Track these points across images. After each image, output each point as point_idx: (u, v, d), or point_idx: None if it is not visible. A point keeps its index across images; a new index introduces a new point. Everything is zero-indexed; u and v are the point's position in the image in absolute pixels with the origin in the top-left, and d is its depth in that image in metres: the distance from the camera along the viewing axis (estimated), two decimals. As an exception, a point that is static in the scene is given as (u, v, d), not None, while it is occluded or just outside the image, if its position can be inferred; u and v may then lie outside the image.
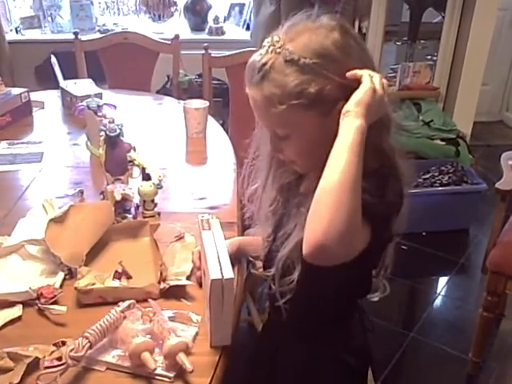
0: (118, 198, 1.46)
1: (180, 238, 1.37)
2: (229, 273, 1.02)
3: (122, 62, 2.81)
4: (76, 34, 2.79)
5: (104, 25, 3.87)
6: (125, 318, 1.08)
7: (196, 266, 1.27)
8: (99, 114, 1.80)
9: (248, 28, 3.88)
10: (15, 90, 2.25)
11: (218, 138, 2.11)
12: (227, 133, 2.22)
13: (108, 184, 1.53)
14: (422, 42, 3.73)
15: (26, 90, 2.26)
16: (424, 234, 3.06)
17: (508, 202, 2.22)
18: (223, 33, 3.91)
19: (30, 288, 1.18)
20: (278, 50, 0.92)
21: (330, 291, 1.02)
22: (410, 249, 2.81)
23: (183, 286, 1.22)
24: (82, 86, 2.29)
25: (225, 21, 4.06)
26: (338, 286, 1.00)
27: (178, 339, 1.03)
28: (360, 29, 3.46)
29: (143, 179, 1.54)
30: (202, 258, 1.15)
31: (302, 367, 1.15)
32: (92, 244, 1.34)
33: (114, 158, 1.55)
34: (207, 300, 1.05)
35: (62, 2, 3.83)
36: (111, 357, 1.04)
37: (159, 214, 1.54)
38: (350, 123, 0.86)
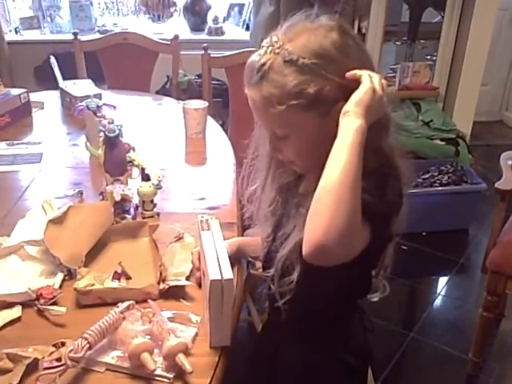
0: (118, 198, 1.46)
1: (179, 238, 1.36)
2: (228, 273, 1.02)
3: (121, 63, 2.81)
4: (75, 34, 2.79)
5: (103, 25, 3.86)
6: (124, 318, 1.08)
7: (195, 266, 1.27)
8: (98, 114, 1.80)
9: (247, 28, 3.88)
10: (14, 91, 2.25)
11: (217, 138, 2.11)
12: (227, 133, 2.22)
13: (107, 184, 1.53)
14: (422, 41, 3.73)
15: (25, 90, 2.26)
16: (424, 233, 3.06)
17: (508, 202, 2.22)
18: (223, 33, 3.91)
19: (29, 289, 1.18)
20: (277, 51, 0.92)
21: (330, 291, 1.02)
22: (410, 249, 2.81)
23: (182, 287, 1.22)
24: (81, 87, 2.29)
25: (224, 21, 4.05)
26: (338, 286, 1.00)
27: (177, 340, 1.03)
28: (360, 29, 3.46)
29: (142, 180, 1.54)
30: (202, 259, 1.15)
31: (301, 367, 1.15)
32: (91, 245, 1.34)
33: (113, 158, 1.55)
34: (207, 301, 1.05)
35: (62, 2, 3.83)
36: (110, 358, 1.04)
37: (158, 214, 1.53)
38: (350, 123, 0.86)
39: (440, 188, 3.06)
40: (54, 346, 1.02)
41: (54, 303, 1.17)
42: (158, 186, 1.55)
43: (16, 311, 1.16)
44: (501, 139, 4.19)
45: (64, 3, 3.82)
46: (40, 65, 3.56)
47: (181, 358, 1.00)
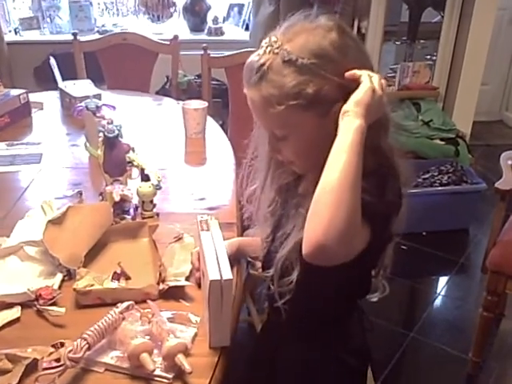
0: (117, 198, 1.46)
1: (179, 238, 1.36)
2: (227, 274, 1.02)
3: (120, 63, 2.81)
4: (75, 34, 2.79)
5: (103, 26, 3.86)
6: (123, 319, 1.08)
7: (195, 266, 1.27)
8: (98, 114, 1.80)
9: (247, 28, 3.88)
10: (14, 91, 2.25)
11: (217, 138, 2.11)
12: (226, 133, 2.22)
13: (107, 185, 1.53)
14: (422, 41, 3.73)
15: (24, 91, 2.26)
16: (424, 233, 3.06)
17: (508, 202, 2.22)
18: (222, 33, 3.91)
19: (28, 289, 1.18)
20: (276, 51, 0.92)
21: (330, 291, 1.02)
22: (410, 249, 2.81)
23: (182, 287, 1.22)
24: (80, 87, 2.29)
25: (224, 21, 4.05)
26: (338, 286, 1.00)
27: (176, 340, 1.03)
28: (359, 29, 3.46)
29: (142, 180, 1.54)
30: (201, 259, 1.15)
31: (301, 367, 1.15)
32: (91, 245, 1.33)
33: (113, 158, 1.55)
34: (206, 301, 1.04)
35: (61, 2, 3.82)
36: (110, 358, 1.04)
37: (158, 214, 1.53)
38: (350, 123, 0.86)
39: (440, 188, 3.06)
40: (53, 346, 1.01)
41: (54, 304, 1.17)
42: (158, 187, 1.55)
43: (15, 312, 1.16)
44: (501, 139, 4.19)
45: (63, 4, 3.82)
46: (40, 65, 3.55)
47: (180, 359, 1.00)
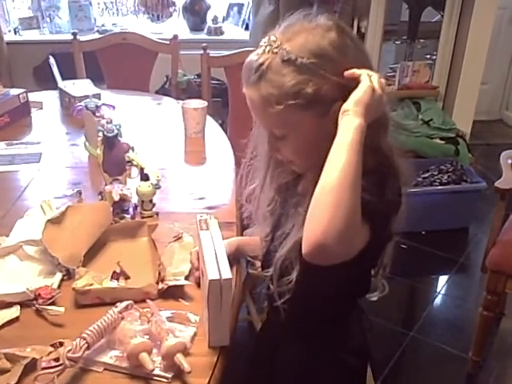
0: (116, 198, 1.46)
1: (178, 238, 1.36)
2: (227, 273, 1.02)
3: (120, 63, 2.80)
4: (74, 34, 2.79)
5: (103, 25, 3.86)
6: (123, 318, 1.08)
7: (194, 266, 1.27)
8: (97, 114, 1.80)
9: (247, 28, 3.88)
10: (13, 91, 2.25)
11: (216, 137, 2.11)
12: (226, 133, 2.22)
13: (106, 184, 1.53)
14: (421, 41, 3.72)
15: (24, 90, 2.26)
16: (423, 232, 3.06)
17: (507, 201, 2.22)
18: (222, 33, 3.91)
19: (27, 289, 1.17)
20: (275, 50, 0.91)
21: (329, 291, 1.02)
22: (410, 248, 2.81)
23: (181, 287, 1.22)
24: (80, 87, 2.29)
25: (223, 21, 4.05)
26: (337, 286, 1.00)
27: (176, 340, 1.03)
28: (359, 28, 3.46)
29: (141, 179, 1.53)
30: (200, 259, 1.15)
31: (300, 367, 1.15)
32: (90, 244, 1.33)
33: (112, 158, 1.55)
34: (205, 300, 1.04)
35: (61, 2, 3.82)
36: (109, 357, 1.04)
37: (157, 214, 1.53)
38: (350, 122, 0.86)
39: (440, 187, 3.05)
40: (52, 345, 1.01)
41: (53, 303, 1.17)
42: (157, 186, 1.55)
43: (14, 311, 1.16)
44: (501, 138, 4.19)
45: (63, 3, 3.82)
46: (39, 65, 3.55)
47: (179, 358, 0.99)
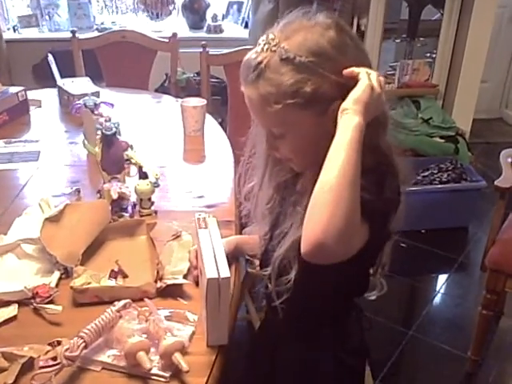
0: (115, 196, 1.45)
1: (177, 236, 1.36)
2: (225, 272, 1.02)
3: (119, 61, 2.80)
4: (73, 32, 2.78)
5: (102, 23, 3.86)
6: (120, 317, 1.08)
7: (193, 265, 1.26)
8: (96, 112, 1.79)
9: (246, 26, 3.87)
10: (12, 89, 2.24)
11: (216, 136, 2.11)
12: (225, 131, 2.22)
13: (104, 182, 1.52)
14: (421, 39, 3.72)
15: (22, 88, 2.25)
16: (423, 231, 3.05)
17: (507, 200, 2.21)
18: (221, 31, 3.90)
19: (25, 287, 1.17)
20: (274, 49, 0.91)
21: (328, 290, 1.02)
22: (409, 246, 2.80)
23: (180, 285, 1.22)
24: (79, 85, 2.28)
25: (223, 19, 4.05)
26: (336, 285, 1.00)
27: (174, 339, 1.02)
28: (359, 26, 3.45)
29: (140, 178, 1.53)
30: (199, 257, 1.14)
31: (299, 366, 1.15)
32: (88, 243, 1.33)
33: (111, 156, 1.54)
34: (204, 299, 1.04)
35: (60, 0, 3.82)
36: (106, 356, 1.04)
37: (156, 212, 1.53)
38: (349, 121, 0.86)
39: (439, 186, 3.05)
40: (49, 344, 1.01)
41: (51, 302, 1.16)
42: (156, 184, 1.54)
43: (12, 310, 1.16)
44: (500, 137, 4.19)
45: (62, 1, 3.82)
46: (38, 63, 3.55)
47: (177, 357, 0.99)
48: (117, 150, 1.56)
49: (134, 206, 1.52)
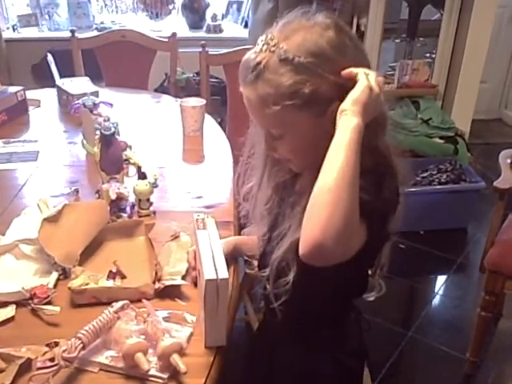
0: (113, 197, 1.45)
1: (175, 237, 1.36)
2: (224, 273, 1.02)
3: (119, 60, 2.80)
4: (73, 32, 2.78)
5: (102, 23, 3.86)
6: (118, 318, 1.08)
7: (191, 265, 1.26)
8: (95, 112, 1.79)
9: (246, 26, 3.87)
10: (11, 89, 2.24)
11: (215, 136, 2.10)
12: (225, 131, 2.21)
13: (103, 183, 1.52)
14: (421, 39, 3.72)
15: (21, 88, 2.25)
16: (422, 232, 3.05)
17: (506, 201, 2.21)
18: (221, 30, 3.90)
19: (23, 288, 1.17)
20: (273, 49, 0.91)
21: (326, 291, 1.01)
22: (408, 247, 2.80)
23: (178, 286, 1.21)
24: (78, 84, 2.28)
25: (223, 18, 4.05)
26: (335, 286, 1.00)
27: (171, 340, 1.02)
28: (358, 26, 3.45)
29: (139, 178, 1.53)
30: (197, 258, 1.14)
31: (298, 367, 1.15)
32: (86, 243, 1.33)
33: (109, 156, 1.54)
34: (202, 300, 1.04)
35: (60, -1, 3.82)
36: (104, 358, 1.03)
37: (155, 213, 1.53)
38: (348, 122, 0.85)
39: (439, 186, 3.05)
40: (47, 345, 1.01)
41: (48, 302, 1.16)
42: (155, 185, 1.54)
43: (10, 311, 1.15)
44: (500, 137, 4.18)
45: (62, 1, 3.82)
46: (38, 62, 3.55)
47: (175, 359, 0.99)
48: (115, 150, 1.56)
49: (133, 206, 1.52)
